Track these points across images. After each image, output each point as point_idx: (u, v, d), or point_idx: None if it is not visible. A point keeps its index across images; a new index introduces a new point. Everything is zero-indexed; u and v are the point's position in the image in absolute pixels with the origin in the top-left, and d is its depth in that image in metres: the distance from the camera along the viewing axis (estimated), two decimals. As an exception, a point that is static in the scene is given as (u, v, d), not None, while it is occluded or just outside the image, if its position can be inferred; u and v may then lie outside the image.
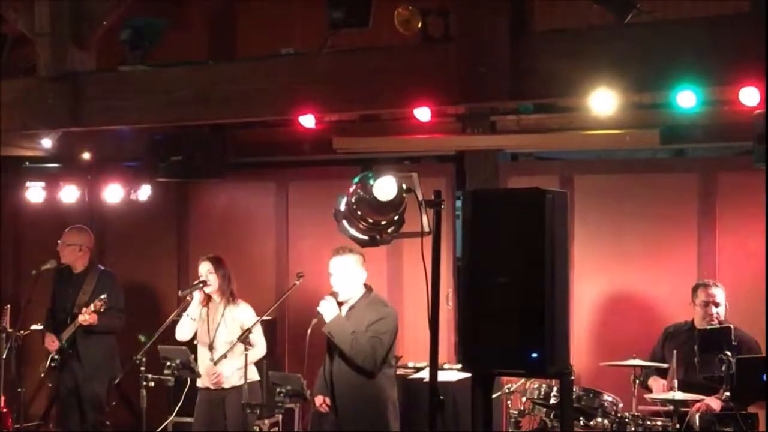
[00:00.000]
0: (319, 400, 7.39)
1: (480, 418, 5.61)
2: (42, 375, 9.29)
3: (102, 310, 8.78)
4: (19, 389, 9.28)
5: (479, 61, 6.43)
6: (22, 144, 9.94)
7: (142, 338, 8.79)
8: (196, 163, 9.67)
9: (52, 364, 9.12)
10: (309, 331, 7.15)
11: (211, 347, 8.15)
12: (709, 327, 7.69)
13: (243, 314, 8.18)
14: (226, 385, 8.08)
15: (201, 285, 8.17)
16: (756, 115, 7.00)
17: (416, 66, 6.77)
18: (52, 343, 9.10)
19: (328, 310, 7.20)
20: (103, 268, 9.40)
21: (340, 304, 7.32)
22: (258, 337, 7.99)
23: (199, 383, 8.17)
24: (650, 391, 7.89)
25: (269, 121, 9.39)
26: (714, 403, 7.51)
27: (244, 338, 7.69)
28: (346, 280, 7.30)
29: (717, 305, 7.87)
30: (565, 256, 5.62)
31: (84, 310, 8.86)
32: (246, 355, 7.70)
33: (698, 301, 7.94)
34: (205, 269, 8.20)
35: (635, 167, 9.20)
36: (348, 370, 7.15)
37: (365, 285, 7.38)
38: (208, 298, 8.23)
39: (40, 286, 9.26)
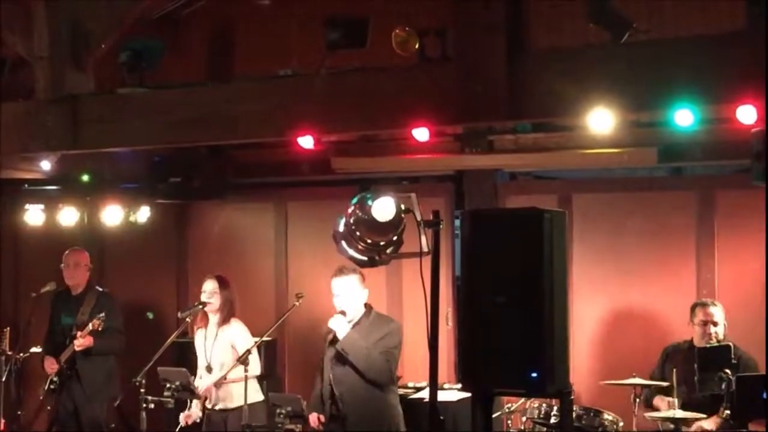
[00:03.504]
0: (312, 417, 7.39)
1: (480, 438, 5.61)
2: (41, 398, 9.26)
3: (100, 329, 8.76)
4: (19, 412, 9.27)
5: (477, 81, 6.45)
6: (22, 166, 9.94)
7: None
8: (194, 185, 9.69)
9: (51, 387, 9.09)
10: (326, 345, 7.21)
11: (209, 368, 8.15)
12: (708, 345, 7.69)
13: (234, 332, 8.17)
14: (229, 406, 8.07)
15: (201, 306, 8.17)
16: (754, 133, 7.01)
17: (414, 86, 6.79)
18: (51, 367, 9.07)
19: (340, 326, 7.22)
20: (101, 289, 9.39)
21: None
22: (251, 357, 8.00)
23: (197, 405, 8.14)
24: (654, 410, 7.87)
25: (268, 141, 9.40)
26: (709, 424, 7.50)
27: (244, 359, 7.68)
28: (350, 300, 7.32)
29: (715, 324, 7.86)
30: (564, 274, 5.62)
31: (79, 333, 8.85)
32: (246, 375, 7.69)
33: (696, 321, 7.94)
34: (209, 287, 8.20)
35: (633, 186, 9.20)
36: (359, 387, 7.16)
37: (365, 304, 7.40)
38: (205, 318, 8.23)
39: (40, 309, 9.26)
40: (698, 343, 7.88)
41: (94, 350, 8.94)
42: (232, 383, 7.99)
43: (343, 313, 7.29)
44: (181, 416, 8.13)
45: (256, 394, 8.00)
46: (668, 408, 7.67)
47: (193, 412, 8.11)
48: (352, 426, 7.19)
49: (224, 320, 8.21)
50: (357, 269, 7.18)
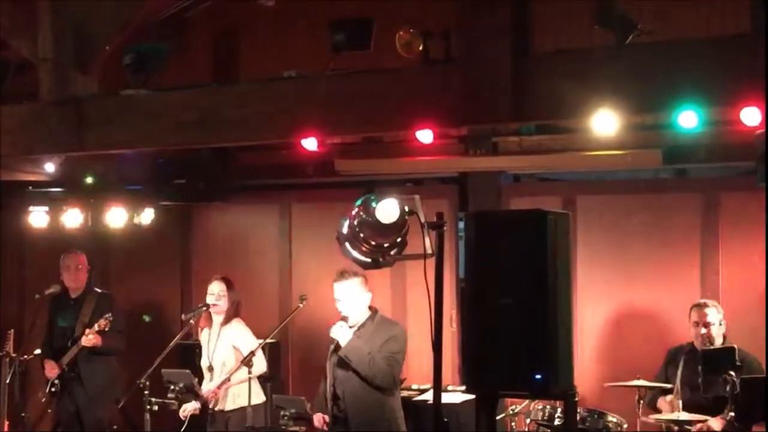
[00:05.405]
0: (317, 418, 7.40)
1: (484, 440, 5.60)
2: (43, 401, 9.25)
3: (107, 329, 8.77)
4: (23, 414, 9.26)
5: (481, 83, 6.45)
6: (26, 168, 9.94)
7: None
8: (199, 187, 9.70)
9: (52, 389, 9.06)
10: (330, 351, 7.21)
11: (210, 368, 8.15)
12: (712, 347, 7.68)
13: (234, 332, 8.16)
14: (228, 407, 8.06)
15: (204, 308, 8.17)
16: (758, 135, 7.01)
17: (418, 88, 6.78)
18: (51, 370, 9.06)
19: (341, 334, 7.21)
20: (100, 290, 9.39)
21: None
22: (256, 356, 8.00)
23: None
24: (657, 412, 7.86)
25: (272, 143, 9.40)
26: (715, 424, 7.49)
27: (248, 361, 7.67)
28: (353, 304, 7.30)
29: (707, 325, 7.82)
30: (568, 276, 5.62)
31: (87, 331, 8.84)
32: (249, 377, 7.69)
33: (691, 322, 7.93)
34: (217, 289, 8.20)
35: (637, 188, 9.20)
36: (360, 389, 7.14)
37: (370, 307, 7.38)
38: (209, 319, 8.24)
39: (44, 311, 9.26)
40: (696, 344, 7.87)
41: (97, 349, 8.94)
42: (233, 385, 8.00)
43: (345, 319, 7.28)
44: (181, 413, 8.12)
45: (256, 397, 7.98)
46: (671, 409, 7.67)
47: (188, 405, 8.09)
48: (355, 427, 7.19)
49: (227, 320, 8.21)
50: (358, 273, 7.17)
